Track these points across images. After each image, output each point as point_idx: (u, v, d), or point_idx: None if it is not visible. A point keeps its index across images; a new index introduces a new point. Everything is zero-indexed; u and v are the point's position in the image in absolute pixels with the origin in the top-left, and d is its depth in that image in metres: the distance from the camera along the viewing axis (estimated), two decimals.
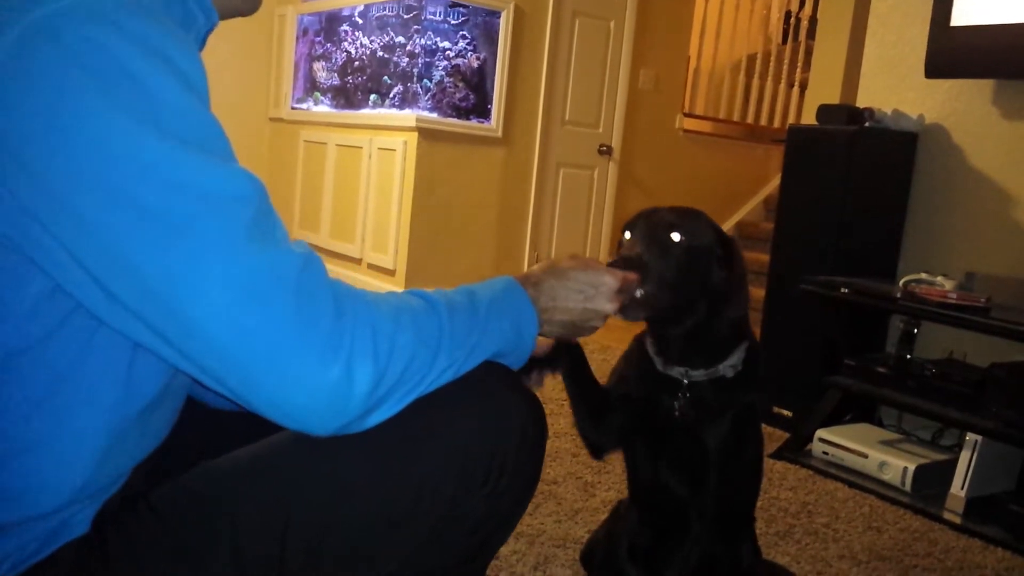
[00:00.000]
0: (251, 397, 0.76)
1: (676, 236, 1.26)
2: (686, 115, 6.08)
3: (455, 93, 4.97)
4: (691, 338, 1.34)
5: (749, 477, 1.52)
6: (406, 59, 4.98)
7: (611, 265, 1.18)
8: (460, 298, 0.93)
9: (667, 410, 1.38)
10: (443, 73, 4.91)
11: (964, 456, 2.48)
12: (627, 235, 1.31)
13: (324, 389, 0.75)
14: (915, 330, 2.81)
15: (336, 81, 5.65)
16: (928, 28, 2.92)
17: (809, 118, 3.43)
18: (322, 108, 5.76)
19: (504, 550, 1.89)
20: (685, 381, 1.36)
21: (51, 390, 0.78)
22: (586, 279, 1.07)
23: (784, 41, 6.82)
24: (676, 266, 1.25)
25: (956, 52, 2.85)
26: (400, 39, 5.04)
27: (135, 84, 0.72)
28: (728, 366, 1.37)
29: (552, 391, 3.24)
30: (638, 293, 1.20)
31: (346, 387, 0.76)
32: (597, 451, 1.48)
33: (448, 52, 4.91)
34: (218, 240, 0.73)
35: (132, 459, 0.89)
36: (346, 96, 5.56)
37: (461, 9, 4.89)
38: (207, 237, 0.72)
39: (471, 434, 0.93)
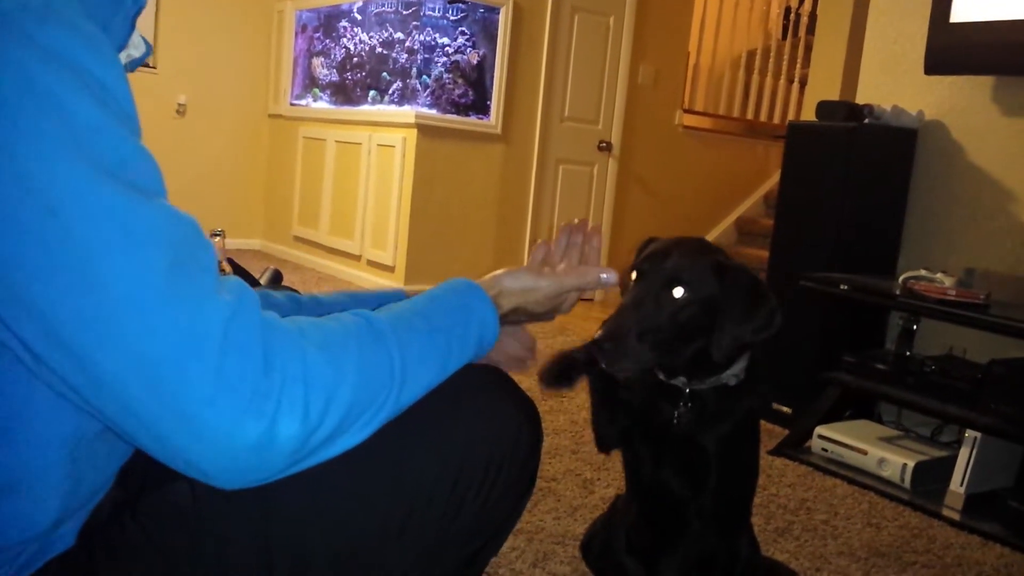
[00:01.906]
0: (165, 457, 0.70)
1: (679, 292, 1.26)
2: (686, 111, 6.07)
3: (454, 89, 4.96)
4: (692, 361, 1.33)
5: (747, 476, 1.52)
6: (405, 55, 4.98)
7: (594, 343, 1.22)
8: (417, 325, 0.85)
9: (667, 417, 1.39)
10: (442, 69, 4.91)
11: (963, 453, 2.48)
12: (634, 276, 1.31)
13: (243, 452, 0.69)
14: (915, 327, 2.81)
15: (335, 77, 5.64)
16: (928, 24, 2.91)
17: (809, 114, 3.43)
18: (321, 104, 5.75)
19: (503, 547, 1.89)
20: (687, 390, 1.36)
21: (5, 426, 0.73)
22: (553, 298, 1.06)
23: (784, 37, 6.81)
24: (673, 325, 1.25)
25: (956, 48, 2.85)
26: (399, 35, 5.03)
27: (44, 101, 0.65)
28: (731, 375, 1.37)
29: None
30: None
31: (268, 448, 0.69)
32: (606, 446, 1.49)
33: (447, 48, 4.90)
34: (132, 287, 0.65)
35: (109, 468, 0.86)
36: (345, 92, 5.55)
37: (460, 5, 4.88)
38: (119, 283, 0.65)
39: (463, 443, 0.92)
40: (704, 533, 1.44)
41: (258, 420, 0.68)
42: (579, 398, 2.54)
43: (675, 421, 1.37)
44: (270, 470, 0.71)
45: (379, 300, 1.08)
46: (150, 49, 0.89)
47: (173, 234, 0.69)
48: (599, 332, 1.22)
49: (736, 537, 1.55)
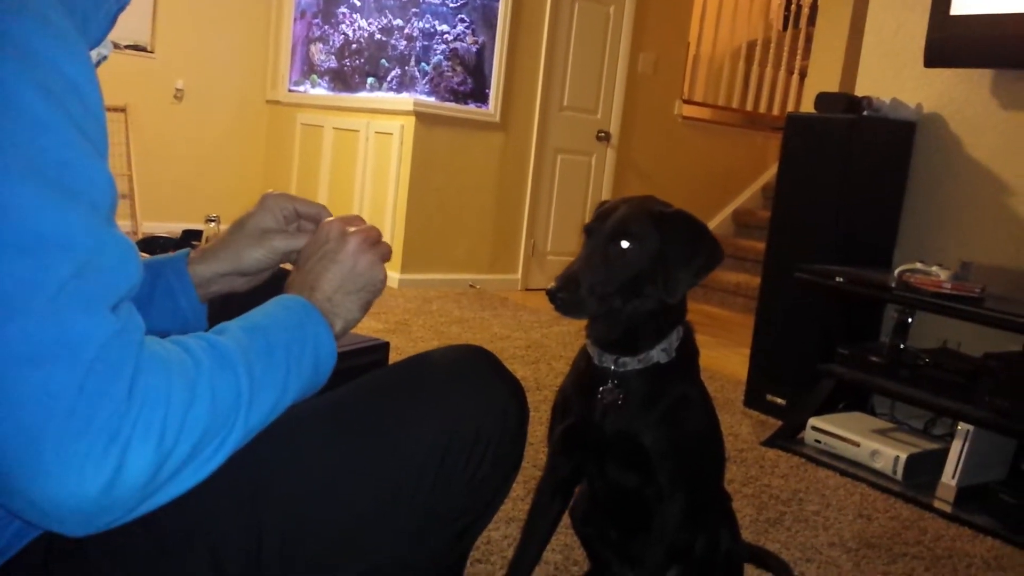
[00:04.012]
0: (5, 487, 0.64)
1: (625, 244, 1.35)
2: (685, 101, 6.06)
3: (453, 77, 4.95)
4: (629, 322, 1.38)
5: (703, 460, 1.53)
6: (404, 42, 4.96)
7: (552, 290, 1.30)
8: (257, 346, 0.81)
9: (601, 407, 1.41)
10: (441, 57, 4.89)
11: (956, 445, 2.49)
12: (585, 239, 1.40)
13: (89, 484, 0.64)
14: (909, 319, 2.81)
15: (333, 64, 5.62)
16: (928, 17, 2.91)
17: (808, 106, 3.43)
18: (319, 91, 5.74)
19: (495, 535, 1.90)
20: (612, 368, 1.40)
21: None
22: (368, 280, 0.98)
23: (784, 28, 6.80)
24: (621, 275, 1.34)
25: (955, 41, 2.84)
26: (398, 22, 5.01)
27: None
28: (660, 350, 1.40)
29: (546, 376, 3.25)
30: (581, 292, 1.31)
31: (116, 480, 0.65)
32: (567, 488, 1.55)
33: (446, 35, 4.89)
34: (22, 288, 0.63)
35: None
36: (343, 79, 5.53)
37: None
38: (8, 280, 0.62)
39: (452, 419, 0.94)
40: (671, 527, 1.45)
41: (109, 447, 0.64)
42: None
43: (599, 397, 1.40)
44: (118, 509, 0.67)
45: (159, 265, 1.06)
46: (111, 49, 0.88)
47: (88, 248, 0.66)
48: (553, 284, 1.31)
49: (713, 529, 1.56)
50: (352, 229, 0.98)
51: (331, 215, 1.05)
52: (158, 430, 0.67)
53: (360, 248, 0.97)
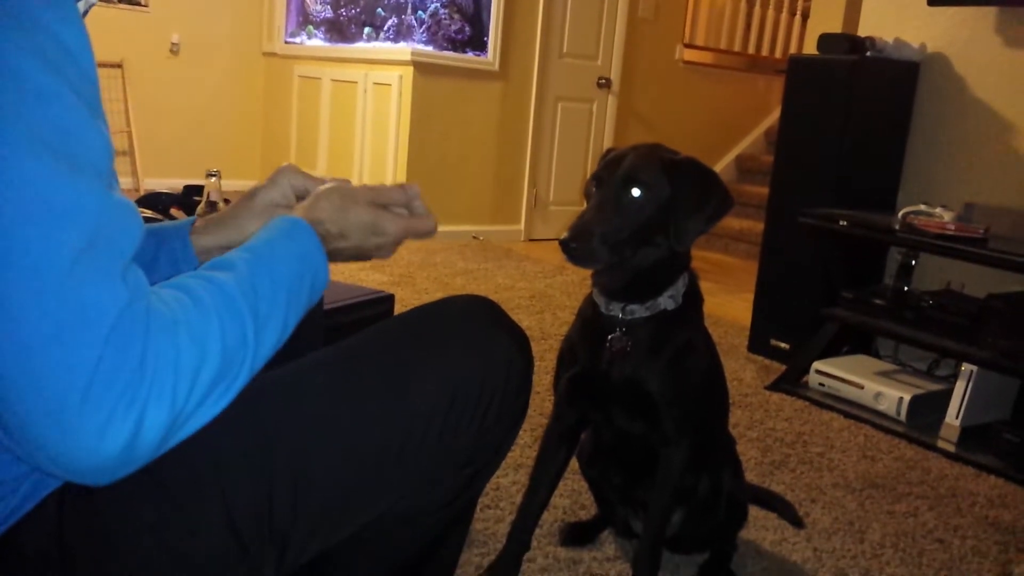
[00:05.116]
0: (30, 448, 0.68)
1: (636, 192, 1.34)
2: (686, 46, 5.99)
3: (450, 25, 4.88)
4: (637, 270, 1.38)
5: (708, 403, 1.54)
6: None
7: (565, 240, 1.29)
8: (261, 284, 0.82)
9: (608, 355, 1.42)
10: (438, 4, 4.82)
11: (959, 386, 2.51)
12: (594, 188, 1.38)
13: (110, 444, 0.67)
14: (913, 262, 2.81)
15: (329, 14, 5.55)
16: None
17: (811, 48, 3.38)
18: (315, 42, 5.67)
19: (504, 481, 1.92)
20: (620, 316, 1.40)
21: None
22: (377, 226, 0.99)
23: None
24: (633, 223, 1.33)
25: None
26: None
27: None
28: (668, 297, 1.40)
29: (551, 326, 3.26)
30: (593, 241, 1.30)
31: (135, 439, 0.68)
32: (573, 435, 1.57)
33: None
34: (38, 264, 0.64)
35: None
36: (339, 29, 5.46)
37: None
38: (26, 257, 0.64)
39: (458, 368, 0.95)
40: (676, 472, 1.47)
41: (127, 411, 0.67)
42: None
43: (608, 345, 1.41)
44: (138, 460, 0.70)
45: (165, 232, 1.06)
46: None
47: (96, 215, 0.67)
48: (566, 233, 1.30)
49: (716, 470, 1.58)
50: (388, 231, 0.99)
51: (418, 198, 1.05)
52: (170, 392, 0.69)
53: (381, 248, 1.00)
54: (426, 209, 1.05)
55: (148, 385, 0.68)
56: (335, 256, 0.98)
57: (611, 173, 1.36)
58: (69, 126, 0.67)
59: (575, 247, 1.29)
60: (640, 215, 1.33)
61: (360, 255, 1.01)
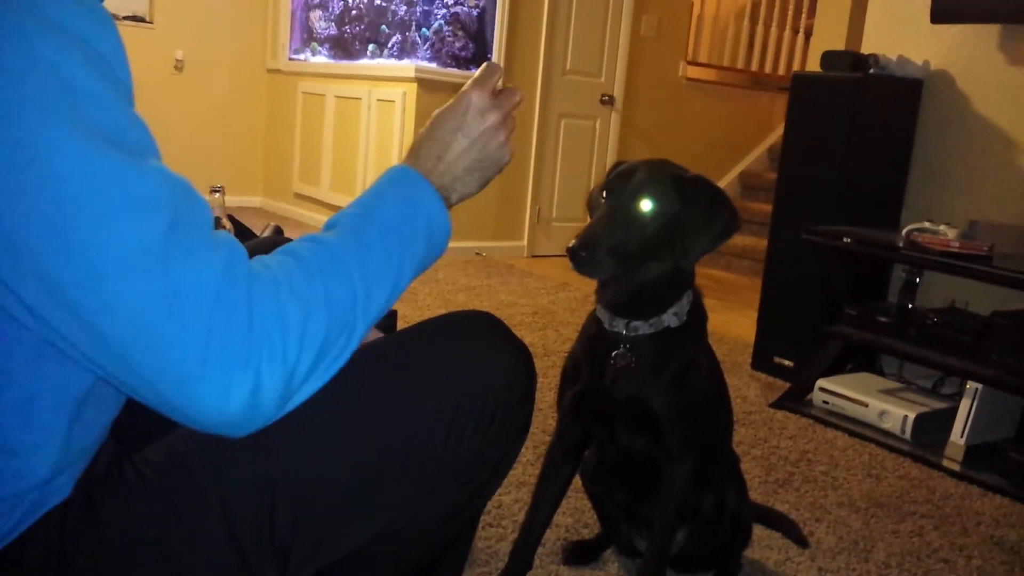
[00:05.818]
0: (170, 412, 0.74)
1: (647, 205, 1.34)
2: (689, 63, 6.00)
3: (454, 42, 4.90)
4: (641, 286, 1.38)
5: (712, 424, 1.54)
6: (404, 7, 4.91)
7: (572, 248, 1.28)
8: (369, 236, 0.85)
9: (611, 372, 1.41)
10: (442, 22, 4.84)
11: (964, 404, 2.49)
12: (601, 199, 1.39)
13: (236, 406, 0.72)
14: (917, 279, 2.80)
15: (333, 31, 5.57)
16: None
17: (814, 65, 3.39)
18: (320, 59, 5.69)
19: (506, 498, 1.91)
20: (624, 332, 1.40)
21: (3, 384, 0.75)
22: (463, 104, 0.98)
23: None
24: (640, 236, 1.33)
25: None
26: None
27: (48, 73, 0.67)
28: (672, 314, 1.40)
29: (554, 343, 3.25)
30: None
31: (256, 396, 0.73)
32: (577, 452, 1.56)
33: (446, 0, 4.84)
34: (133, 252, 0.68)
35: (105, 419, 0.87)
36: (344, 46, 5.49)
37: None
38: (122, 248, 0.68)
39: (461, 382, 0.95)
40: (679, 489, 1.46)
41: (244, 376, 0.72)
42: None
43: (612, 362, 1.40)
44: (264, 416, 0.75)
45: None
46: None
47: (172, 196, 0.71)
48: (574, 241, 1.30)
49: (721, 487, 1.57)
50: (493, 106, 0.98)
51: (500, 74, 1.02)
52: (281, 348, 0.74)
53: (496, 128, 0.99)
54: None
55: (260, 345, 0.72)
56: (458, 184, 0.98)
57: (622, 185, 1.36)
58: (123, 123, 0.71)
59: (583, 256, 1.30)
60: (649, 229, 1.34)
61: (482, 157, 1.00)
